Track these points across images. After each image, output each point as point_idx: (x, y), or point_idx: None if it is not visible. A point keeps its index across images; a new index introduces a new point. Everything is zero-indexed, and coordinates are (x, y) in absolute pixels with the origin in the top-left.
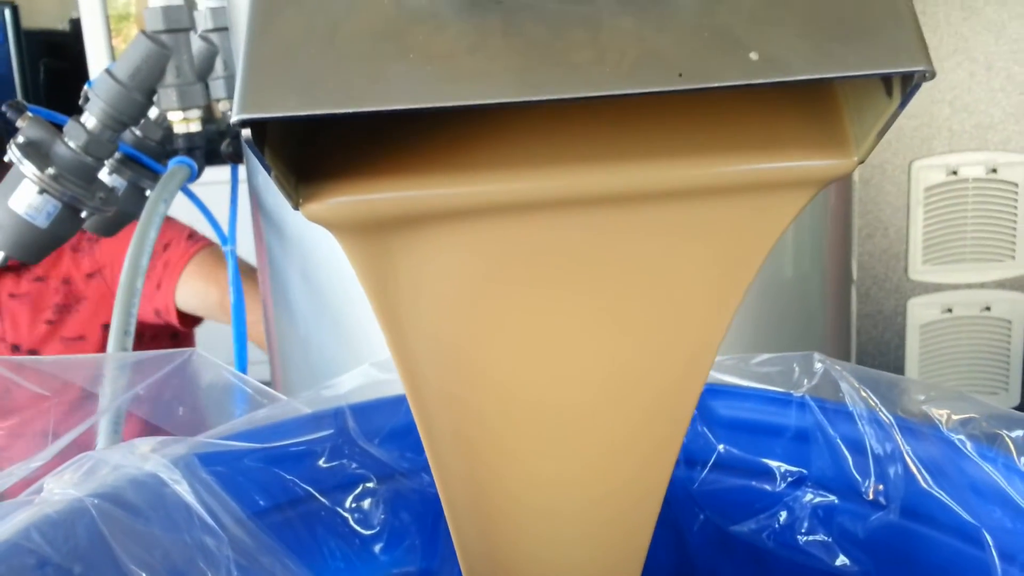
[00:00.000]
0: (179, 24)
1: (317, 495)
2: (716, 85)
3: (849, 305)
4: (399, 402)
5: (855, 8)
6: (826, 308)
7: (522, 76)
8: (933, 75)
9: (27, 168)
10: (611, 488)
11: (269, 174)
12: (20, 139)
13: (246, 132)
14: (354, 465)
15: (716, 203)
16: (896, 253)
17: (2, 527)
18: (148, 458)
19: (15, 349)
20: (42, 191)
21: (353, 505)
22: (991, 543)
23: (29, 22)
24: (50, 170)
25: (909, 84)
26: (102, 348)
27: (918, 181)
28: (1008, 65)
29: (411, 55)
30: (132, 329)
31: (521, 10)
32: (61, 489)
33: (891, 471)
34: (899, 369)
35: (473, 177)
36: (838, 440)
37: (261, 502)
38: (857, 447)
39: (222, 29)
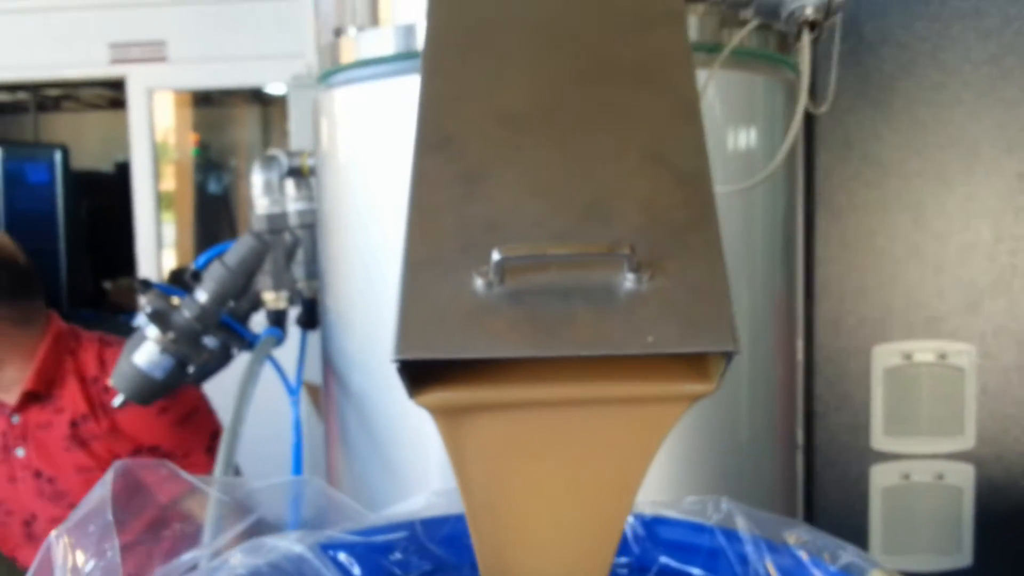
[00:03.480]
0: (278, 226)
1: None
2: (632, 352)
3: (795, 466)
4: (447, 519)
5: (702, 315)
6: (774, 468)
7: (538, 343)
8: (739, 351)
9: (151, 332)
10: (577, 566)
11: (402, 380)
12: (148, 309)
13: (398, 365)
14: (420, 558)
15: (634, 407)
16: (860, 425)
17: None
18: (295, 544)
19: (39, 475)
20: (163, 350)
21: None
22: None
23: (76, 163)
24: (170, 334)
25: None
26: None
27: (878, 363)
28: (954, 268)
29: (484, 330)
30: (232, 464)
31: (538, 305)
32: (244, 560)
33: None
34: (863, 528)
35: (506, 388)
36: (731, 555)
37: None
38: (743, 559)
39: (307, 226)
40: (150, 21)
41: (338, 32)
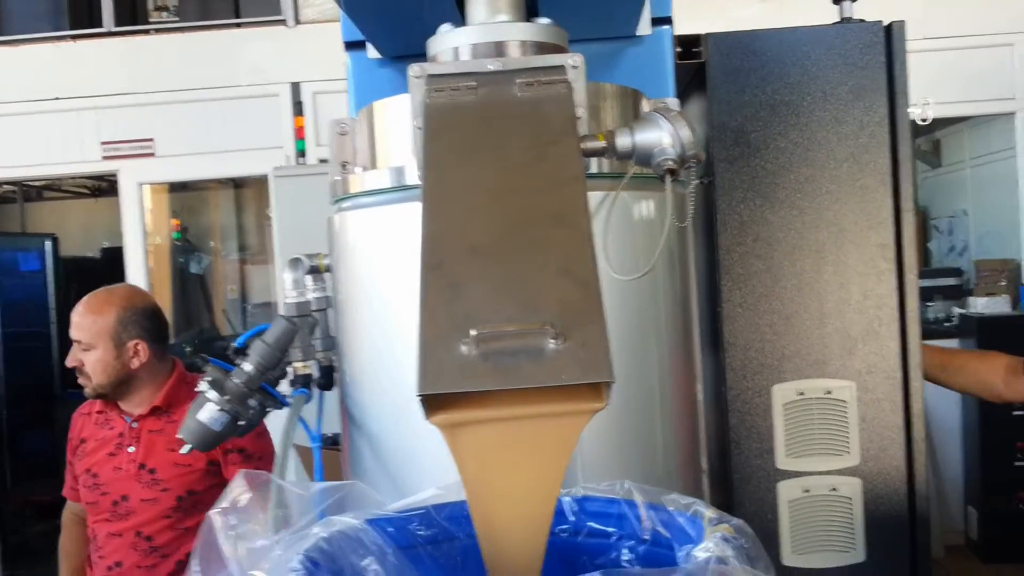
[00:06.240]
0: (305, 312)
1: (422, 542)
2: (552, 384)
3: (702, 487)
4: (448, 504)
5: (593, 361)
6: (685, 490)
7: (498, 381)
8: (614, 380)
9: (212, 395)
10: (527, 526)
11: (422, 407)
12: (208, 378)
13: (420, 398)
14: (433, 529)
15: (558, 419)
16: (767, 449)
17: (305, 541)
18: (352, 519)
19: (142, 467)
20: (220, 410)
21: (433, 545)
22: (676, 547)
23: (65, 251)
24: (225, 397)
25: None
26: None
27: (777, 399)
28: (832, 321)
29: (467, 375)
30: None
31: (498, 360)
32: (323, 529)
33: (649, 527)
34: (775, 534)
35: (477, 411)
36: (631, 518)
37: (399, 541)
38: (638, 518)
39: (322, 310)
40: (139, 120)
41: (344, 165)
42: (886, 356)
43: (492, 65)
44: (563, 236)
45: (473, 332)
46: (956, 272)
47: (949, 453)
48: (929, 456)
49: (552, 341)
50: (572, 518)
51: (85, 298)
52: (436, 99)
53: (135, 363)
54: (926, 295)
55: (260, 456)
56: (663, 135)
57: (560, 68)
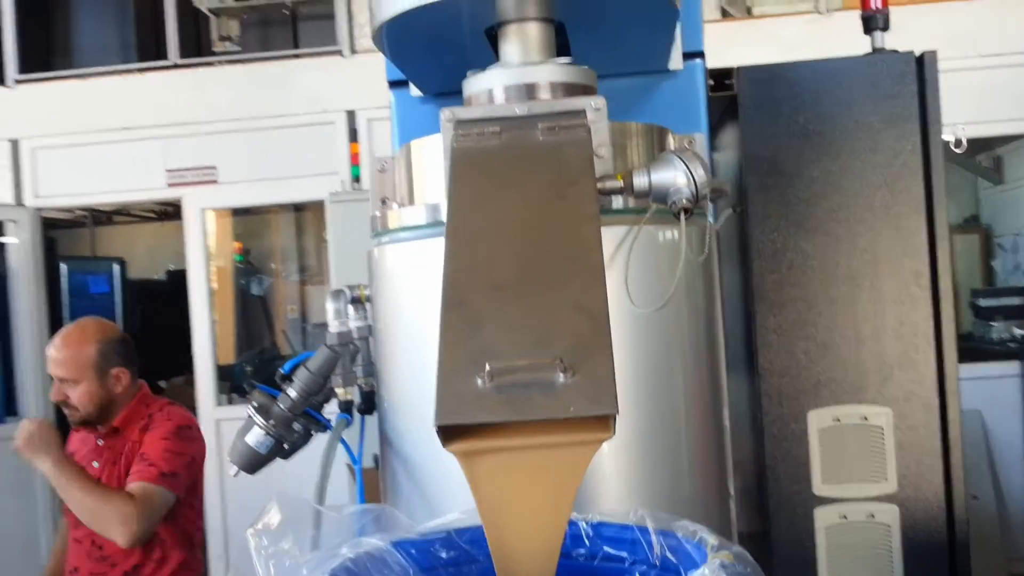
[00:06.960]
0: (346, 340)
1: (443, 564)
2: (562, 416)
3: (729, 511)
4: (469, 528)
5: (600, 394)
6: (710, 514)
7: (511, 413)
8: (618, 412)
9: (258, 420)
10: (538, 550)
11: (439, 436)
12: (254, 403)
13: (437, 428)
14: (453, 552)
15: (568, 448)
16: (803, 475)
17: (332, 561)
18: (378, 541)
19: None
20: (266, 433)
21: (454, 567)
22: (683, 573)
23: (132, 273)
24: (271, 421)
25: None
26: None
27: (813, 425)
28: (869, 347)
29: (482, 407)
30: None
31: (511, 393)
32: (350, 550)
33: (659, 553)
34: (812, 559)
35: (495, 440)
36: (643, 544)
37: (422, 563)
38: (649, 545)
39: (364, 338)
40: (202, 148)
41: (384, 201)
42: (922, 383)
43: (519, 109)
44: (577, 273)
45: (488, 367)
46: (1020, 291)
47: (1013, 477)
48: (992, 481)
49: (562, 375)
50: (588, 543)
51: (58, 335)
52: (462, 143)
53: (118, 388)
54: (988, 315)
55: (174, 474)
56: (678, 175)
57: (581, 112)
